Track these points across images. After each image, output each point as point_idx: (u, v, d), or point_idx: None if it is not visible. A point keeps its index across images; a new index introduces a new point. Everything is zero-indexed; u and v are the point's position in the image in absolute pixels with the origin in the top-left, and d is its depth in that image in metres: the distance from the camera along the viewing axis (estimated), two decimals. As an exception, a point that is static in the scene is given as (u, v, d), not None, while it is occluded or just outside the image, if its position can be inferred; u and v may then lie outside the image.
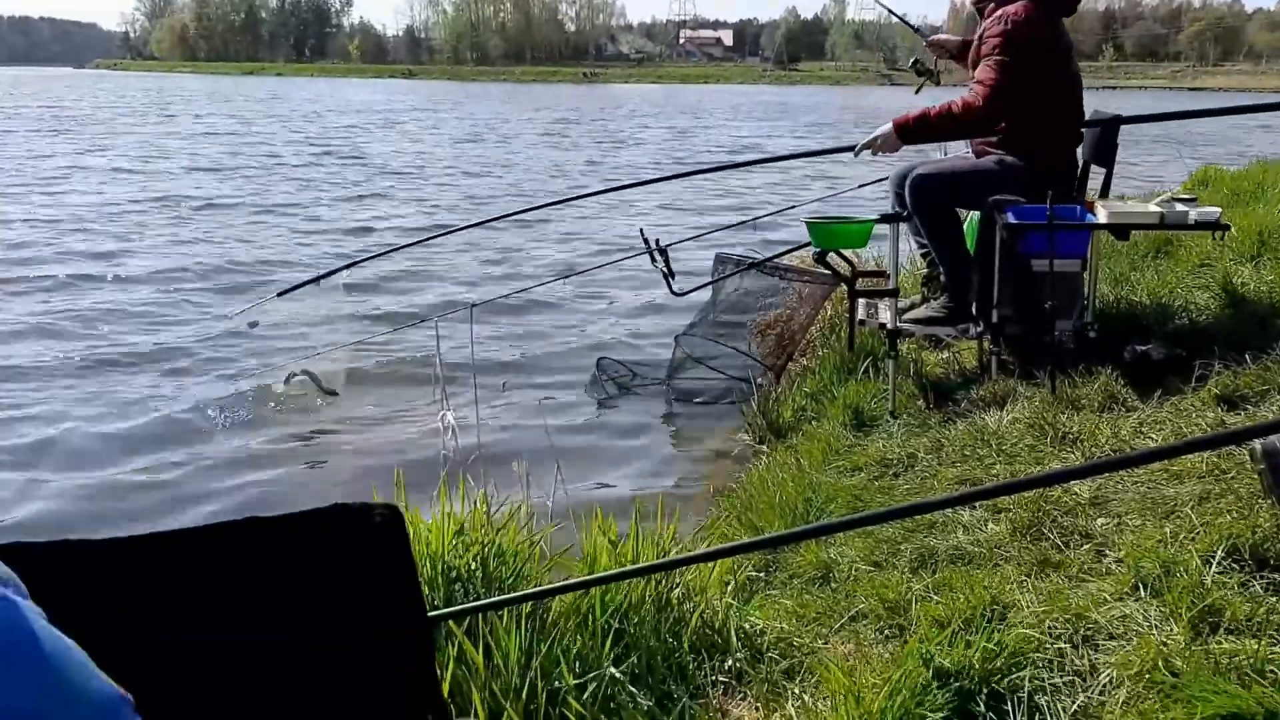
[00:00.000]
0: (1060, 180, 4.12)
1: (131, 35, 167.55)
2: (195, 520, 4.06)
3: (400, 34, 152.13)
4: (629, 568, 2.25)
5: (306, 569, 1.49)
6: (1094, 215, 4.07)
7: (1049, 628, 2.21)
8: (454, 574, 2.34)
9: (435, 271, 8.98)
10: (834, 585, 2.70)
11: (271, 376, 5.60)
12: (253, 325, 6.06)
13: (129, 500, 4.34)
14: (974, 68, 4.24)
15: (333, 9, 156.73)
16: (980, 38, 4.21)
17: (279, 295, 5.36)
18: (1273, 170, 8.28)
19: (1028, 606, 2.32)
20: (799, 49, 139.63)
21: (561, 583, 2.17)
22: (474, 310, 5.29)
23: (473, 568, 2.35)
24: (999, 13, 4.13)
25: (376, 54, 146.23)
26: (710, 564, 2.52)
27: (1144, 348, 3.86)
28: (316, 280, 5.39)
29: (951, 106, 4.10)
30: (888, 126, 4.21)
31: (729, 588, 2.63)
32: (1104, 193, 4.55)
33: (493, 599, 2.16)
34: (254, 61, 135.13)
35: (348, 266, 5.94)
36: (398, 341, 6.08)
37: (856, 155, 4.40)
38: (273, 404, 5.36)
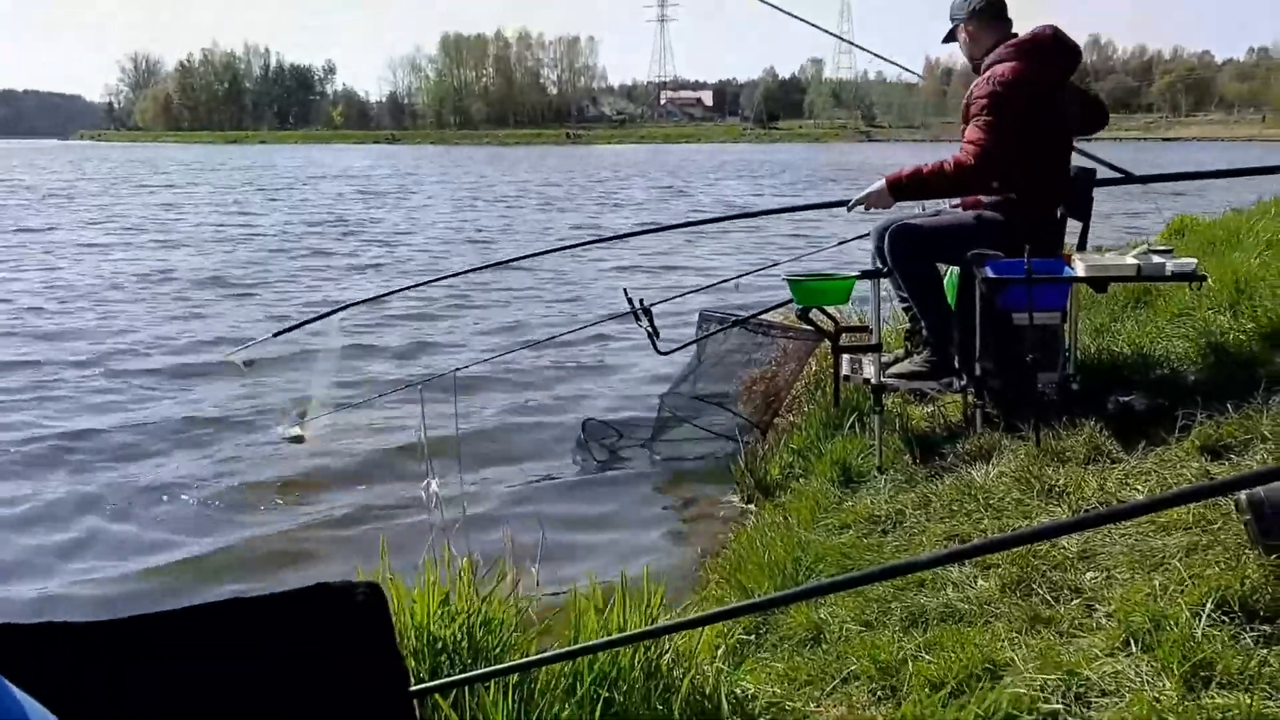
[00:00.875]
0: (1040, 234, 4.15)
1: (115, 106, 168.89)
2: (175, 596, 4.01)
3: (383, 100, 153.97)
4: (616, 636, 2.23)
5: (289, 649, 1.47)
6: (1072, 268, 4.10)
7: (1042, 686, 2.19)
8: (439, 645, 2.31)
9: (425, 333, 9.02)
10: (825, 646, 2.68)
11: (253, 441, 5.58)
12: (248, 365, 6.04)
13: (112, 573, 4.28)
14: (965, 122, 4.30)
15: (316, 76, 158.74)
16: (969, 96, 4.27)
17: (275, 335, 5.38)
18: (1247, 219, 8.39)
19: (1020, 664, 2.30)
20: (778, 107, 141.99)
21: (548, 653, 2.14)
22: (458, 375, 5.29)
23: (458, 638, 2.32)
24: (988, 73, 4.19)
25: (360, 120, 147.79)
26: (699, 629, 2.49)
27: (1126, 399, 3.88)
28: (310, 322, 5.42)
29: (944, 165, 4.16)
30: (880, 183, 4.27)
31: (719, 652, 2.60)
32: (1081, 245, 4.59)
33: (478, 671, 2.13)
34: (238, 130, 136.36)
35: (343, 309, 5.95)
36: (382, 407, 6.07)
37: (850, 210, 4.49)
38: (254, 474, 5.33)
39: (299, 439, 5.51)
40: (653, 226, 9.01)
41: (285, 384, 6.58)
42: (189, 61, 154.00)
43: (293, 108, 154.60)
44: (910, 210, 4.56)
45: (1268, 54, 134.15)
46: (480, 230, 18.98)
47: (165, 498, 5.06)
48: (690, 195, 29.04)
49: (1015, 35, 4.27)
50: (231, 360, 6.24)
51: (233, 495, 5.08)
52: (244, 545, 4.53)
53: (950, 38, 4.49)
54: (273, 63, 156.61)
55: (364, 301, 7.23)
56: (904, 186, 4.24)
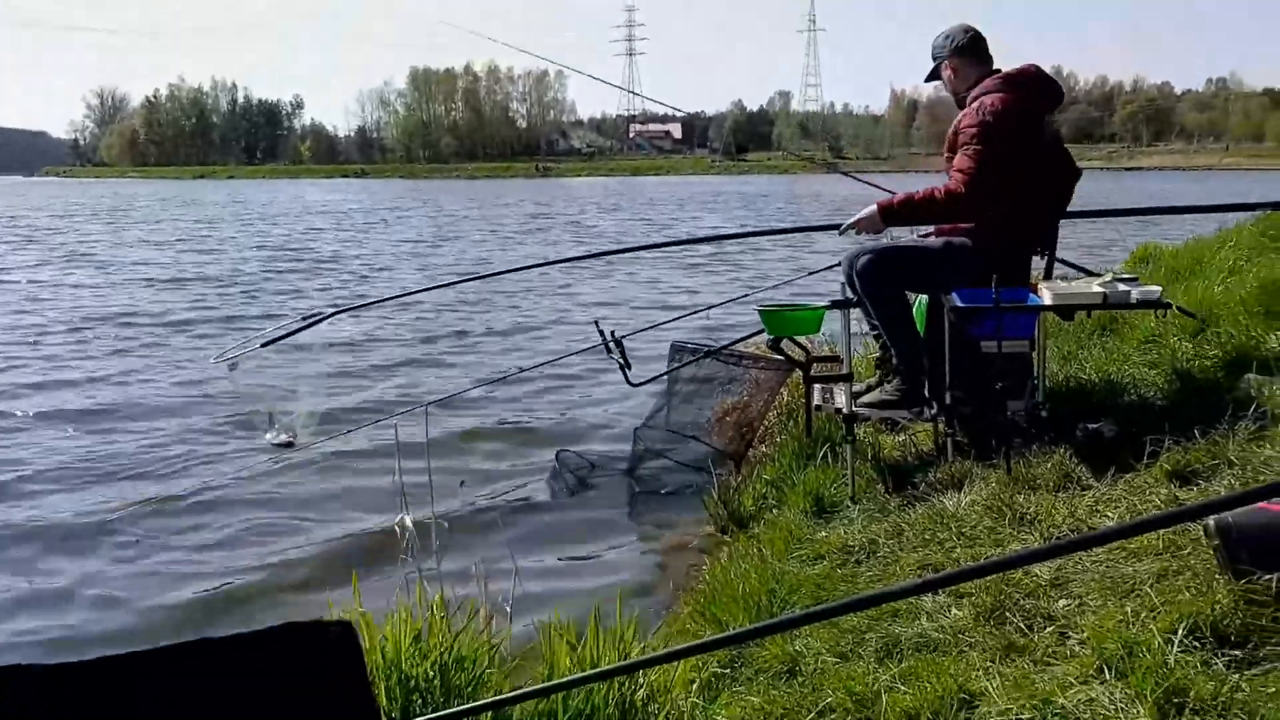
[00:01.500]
0: (1008, 263, 4.19)
1: (81, 142, 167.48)
2: (145, 636, 3.94)
3: (352, 134, 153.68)
4: (590, 672, 2.21)
5: (258, 690, 1.44)
6: (1038, 296, 4.14)
7: (1016, 715, 2.19)
8: (412, 683, 2.28)
9: (400, 365, 9.00)
10: (800, 679, 2.66)
11: (221, 479, 5.53)
12: (232, 368, 6.00)
13: (85, 618, 4.22)
14: (951, 151, 4.35)
15: (284, 111, 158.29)
16: (956, 126, 4.33)
17: (262, 345, 5.35)
18: (1210, 247, 8.51)
19: (994, 694, 2.30)
20: (746, 139, 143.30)
21: (521, 690, 2.12)
22: (430, 408, 5.27)
23: (431, 676, 2.30)
24: (975, 104, 4.25)
25: (328, 154, 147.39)
26: (674, 663, 2.48)
27: (1095, 426, 3.90)
28: (297, 331, 5.40)
29: (935, 192, 4.21)
30: (872, 208, 4.32)
31: (694, 686, 2.59)
32: (1047, 274, 4.64)
33: (450, 709, 2.11)
34: (205, 165, 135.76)
35: (329, 316, 5.91)
36: (354, 441, 6.02)
37: (841, 234, 4.55)
38: (228, 507, 5.27)
39: (289, 444, 5.55)
40: (642, 244, 9.10)
41: (270, 394, 6.50)
42: (155, 97, 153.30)
43: (260, 143, 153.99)
44: (880, 239, 4.60)
45: (1225, 84, 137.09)
46: (457, 261, 18.98)
47: (131, 539, 4.99)
48: (671, 229, 29.13)
49: (997, 70, 4.36)
50: (217, 362, 6.22)
51: (203, 534, 5.02)
52: (215, 584, 4.48)
53: (934, 75, 4.56)
54: (240, 98, 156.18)
55: (354, 308, 7.22)
56: (895, 212, 4.29)
